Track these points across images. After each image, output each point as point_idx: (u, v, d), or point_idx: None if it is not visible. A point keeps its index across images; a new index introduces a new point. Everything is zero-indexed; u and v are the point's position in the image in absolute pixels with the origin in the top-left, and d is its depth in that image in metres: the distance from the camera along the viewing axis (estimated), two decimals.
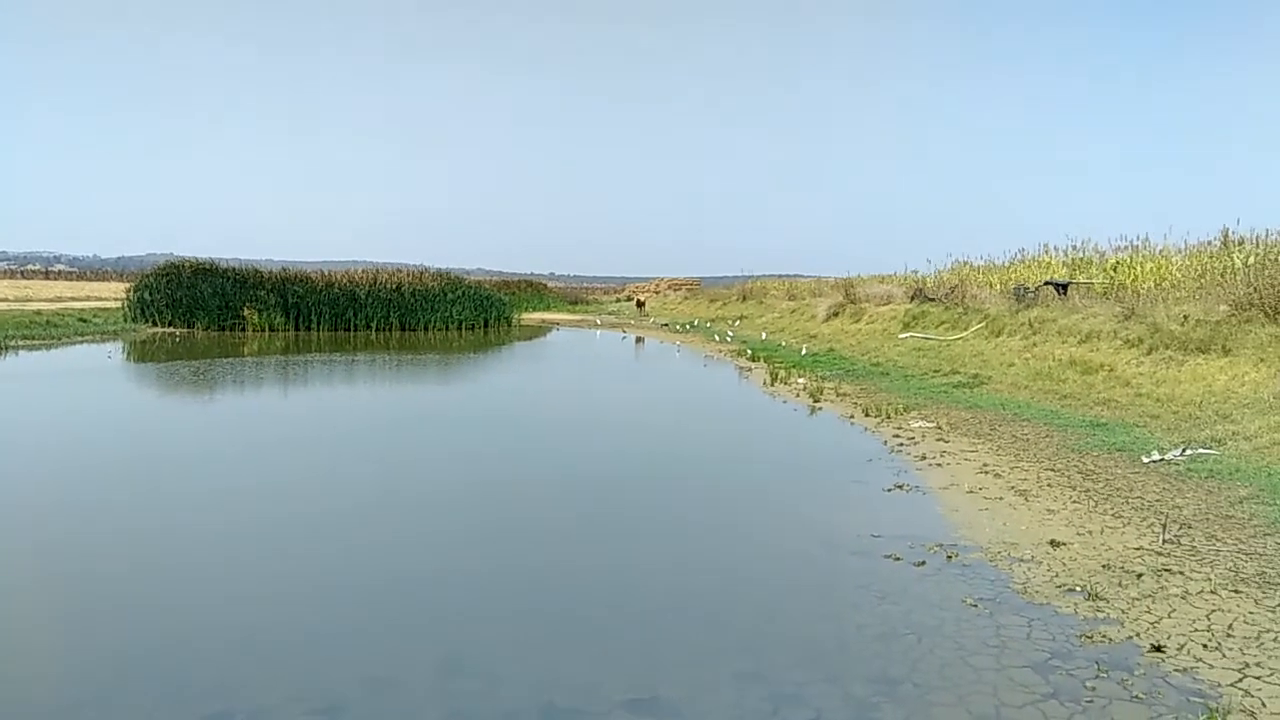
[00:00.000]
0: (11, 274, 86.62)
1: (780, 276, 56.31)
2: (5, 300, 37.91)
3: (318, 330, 35.29)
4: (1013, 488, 9.38)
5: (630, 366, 27.72)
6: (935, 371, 19.29)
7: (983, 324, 22.32)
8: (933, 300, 27.50)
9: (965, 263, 31.81)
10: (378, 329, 36.59)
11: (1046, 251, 28.29)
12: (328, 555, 7.34)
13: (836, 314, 32.15)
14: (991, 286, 26.84)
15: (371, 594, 6.43)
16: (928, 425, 13.26)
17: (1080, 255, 26.37)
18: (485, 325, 40.80)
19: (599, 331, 42.20)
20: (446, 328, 38.58)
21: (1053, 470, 10.07)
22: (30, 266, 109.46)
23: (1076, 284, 22.88)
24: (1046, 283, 23.37)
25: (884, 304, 30.25)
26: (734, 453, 12.32)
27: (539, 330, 42.92)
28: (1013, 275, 27.47)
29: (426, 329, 37.82)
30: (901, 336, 24.82)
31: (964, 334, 22.41)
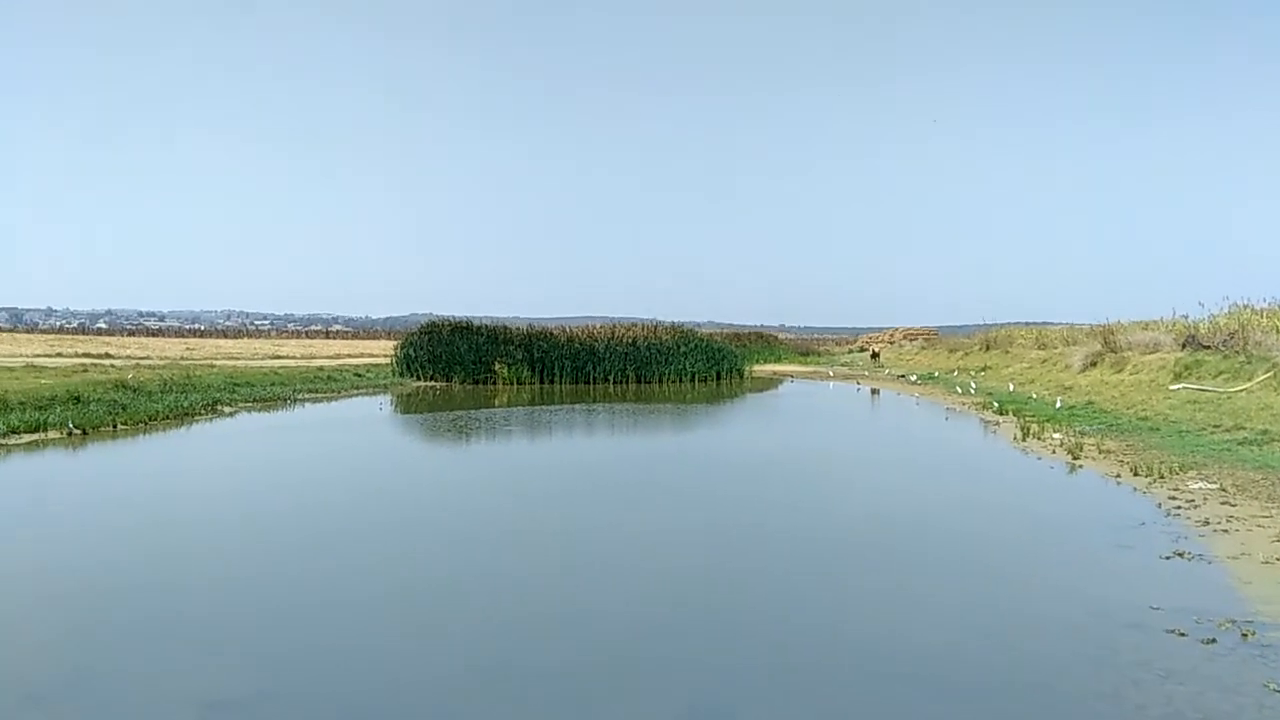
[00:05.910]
0: (298, 334, 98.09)
1: (1026, 324, 52.99)
2: (294, 358, 42.91)
3: (560, 383, 37.18)
4: None
5: (867, 420, 27.05)
6: (1215, 427, 17.45)
7: (1270, 374, 19.97)
8: (1208, 348, 24.93)
9: (1246, 306, 28.62)
10: (615, 381, 38.08)
11: None
12: (574, 595, 7.67)
13: (1094, 364, 29.86)
14: (1279, 332, 23.98)
15: (615, 631, 6.66)
16: (1209, 487, 12.00)
17: None
18: (718, 377, 41.37)
19: (832, 383, 41.56)
20: (680, 380, 39.48)
21: None
22: (313, 327, 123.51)
23: None
24: None
25: (1149, 352, 27.74)
26: (987, 513, 11.70)
27: (770, 382, 42.86)
28: None
29: (661, 381, 38.88)
30: (1173, 388, 22.65)
31: (1248, 385, 20.15)
